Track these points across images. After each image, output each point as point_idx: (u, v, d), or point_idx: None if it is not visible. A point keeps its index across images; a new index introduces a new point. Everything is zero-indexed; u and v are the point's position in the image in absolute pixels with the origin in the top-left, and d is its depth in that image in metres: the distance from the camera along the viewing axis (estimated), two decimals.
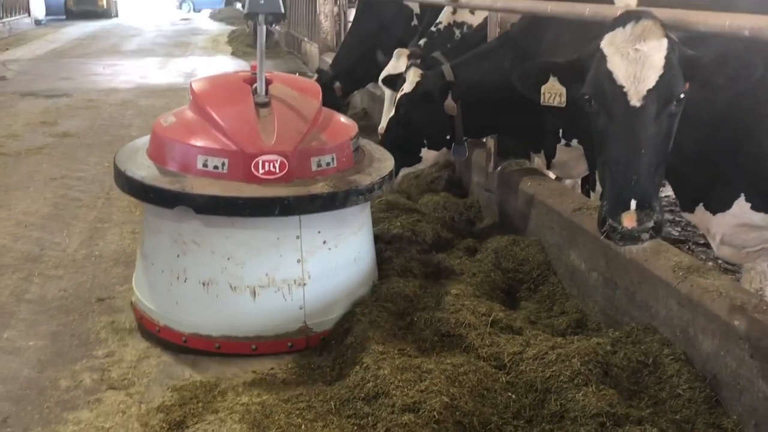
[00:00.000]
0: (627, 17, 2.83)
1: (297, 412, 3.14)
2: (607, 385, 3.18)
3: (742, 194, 3.17)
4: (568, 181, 5.46)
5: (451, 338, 3.66)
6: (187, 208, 3.63)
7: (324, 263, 3.89)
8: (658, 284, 3.43)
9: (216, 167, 3.74)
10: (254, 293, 3.78)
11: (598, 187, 5.12)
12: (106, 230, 5.67)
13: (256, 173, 3.71)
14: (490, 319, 3.75)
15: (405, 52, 6.00)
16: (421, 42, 6.48)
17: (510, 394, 3.21)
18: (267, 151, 3.73)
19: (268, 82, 4.09)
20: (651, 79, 2.71)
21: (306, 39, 15.92)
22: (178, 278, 3.83)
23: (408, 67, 5.10)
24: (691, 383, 3.11)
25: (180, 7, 45.72)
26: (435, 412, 2.99)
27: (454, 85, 4.77)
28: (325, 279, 3.89)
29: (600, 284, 3.94)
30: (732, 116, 3.04)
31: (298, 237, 3.80)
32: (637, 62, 2.72)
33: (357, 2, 9.61)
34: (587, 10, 3.66)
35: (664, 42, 2.74)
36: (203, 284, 3.78)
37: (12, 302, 4.47)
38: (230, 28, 26.97)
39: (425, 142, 4.95)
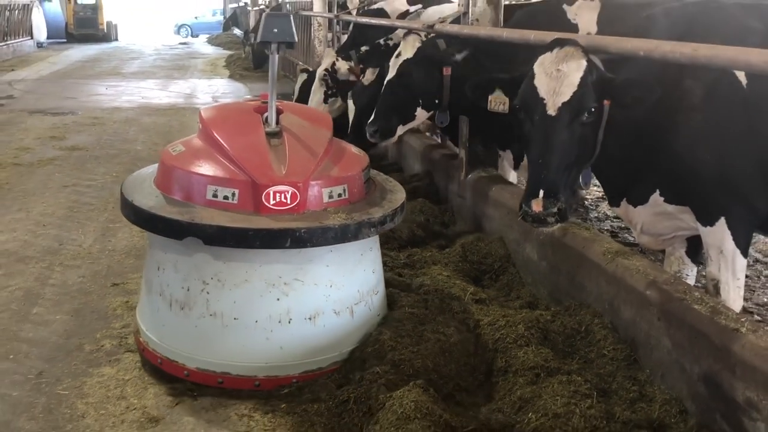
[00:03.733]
0: (555, 43, 3.50)
1: None
2: (545, 346, 3.81)
3: (657, 190, 3.82)
4: None
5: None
6: (197, 239, 3.56)
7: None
8: (592, 267, 4.07)
9: (226, 197, 3.67)
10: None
11: None
12: (117, 229, 6.28)
13: (267, 204, 3.64)
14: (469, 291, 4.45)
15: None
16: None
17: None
18: (278, 181, 3.66)
19: (279, 112, 4.08)
20: (566, 94, 3.39)
21: (301, 63, 16.62)
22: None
23: (406, 35, 5.69)
24: (614, 345, 3.74)
25: (178, 32, 46.64)
26: (412, 369, 3.56)
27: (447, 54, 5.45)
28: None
29: (548, 271, 4.58)
30: (648, 128, 3.70)
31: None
32: (557, 80, 3.40)
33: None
34: (532, 36, 4.31)
35: (583, 64, 3.41)
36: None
37: (37, 286, 5.08)
38: (227, 52, 27.74)
39: (420, 102, 5.51)
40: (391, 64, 5.59)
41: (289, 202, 3.66)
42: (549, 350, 3.77)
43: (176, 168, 3.85)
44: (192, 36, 44.98)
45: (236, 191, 3.66)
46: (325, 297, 3.75)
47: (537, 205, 3.41)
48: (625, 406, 3.38)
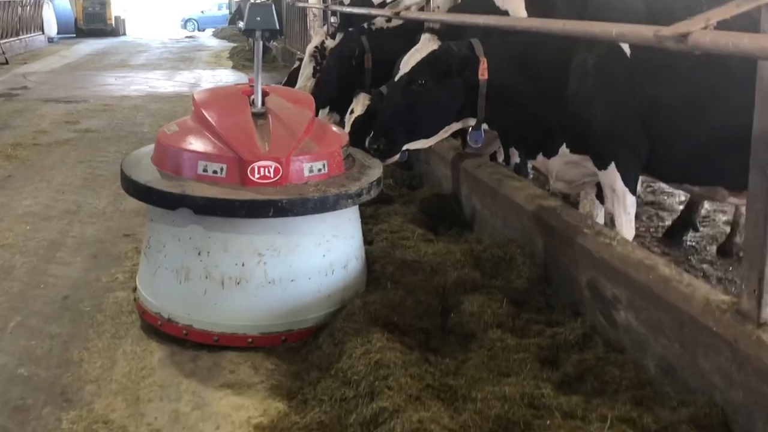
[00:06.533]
0: (425, 33, 4.92)
1: None
2: (476, 269, 4.69)
3: (564, 143, 4.69)
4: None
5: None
6: (188, 209, 3.92)
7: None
8: (518, 209, 4.94)
9: (215, 172, 4.01)
10: None
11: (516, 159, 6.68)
12: (127, 195, 7.15)
13: (252, 178, 3.97)
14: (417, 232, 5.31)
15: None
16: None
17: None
18: (262, 157, 3.99)
19: (264, 94, 4.41)
20: (407, 67, 4.82)
21: (299, 53, 17.48)
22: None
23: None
24: (530, 268, 4.59)
25: (185, 26, 47.61)
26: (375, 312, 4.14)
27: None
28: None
29: (489, 218, 5.45)
30: (552, 92, 4.57)
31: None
32: (410, 57, 4.83)
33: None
34: (482, 20, 5.14)
35: (430, 48, 4.80)
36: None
37: (60, 238, 5.99)
38: (232, 44, 28.60)
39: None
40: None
41: (272, 176, 4.00)
42: (477, 272, 4.64)
43: (170, 146, 4.22)
44: (198, 30, 45.90)
45: (224, 166, 4.00)
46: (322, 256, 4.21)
47: (368, 142, 4.96)
48: (532, 311, 4.23)
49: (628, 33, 3.00)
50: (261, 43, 4.50)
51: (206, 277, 4.04)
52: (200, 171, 4.04)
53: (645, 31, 2.85)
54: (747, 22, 2.84)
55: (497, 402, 3.17)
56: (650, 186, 7.56)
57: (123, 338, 4.22)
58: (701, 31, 2.61)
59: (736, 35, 2.45)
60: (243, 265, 4.03)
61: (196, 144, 4.16)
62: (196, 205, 3.87)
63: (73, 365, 3.92)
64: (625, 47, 4.38)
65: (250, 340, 4.04)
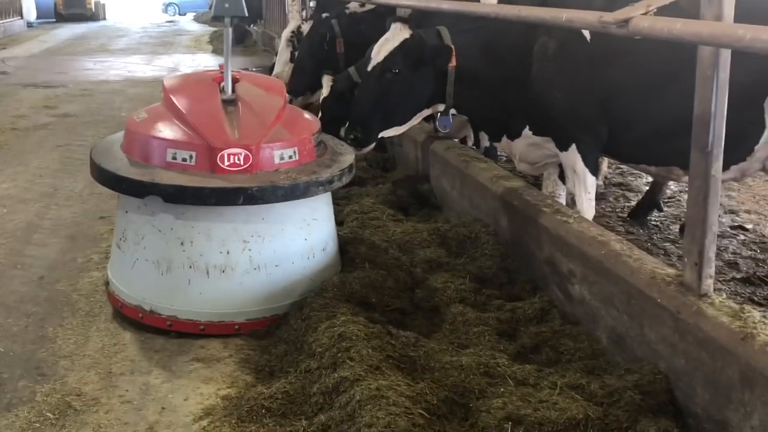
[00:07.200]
0: (395, 21, 4.94)
1: None
2: (442, 247, 4.83)
3: (527, 125, 4.84)
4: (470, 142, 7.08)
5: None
6: (157, 197, 3.89)
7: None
8: (483, 189, 5.08)
9: (184, 159, 3.98)
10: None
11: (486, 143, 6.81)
12: None
13: (221, 165, 3.95)
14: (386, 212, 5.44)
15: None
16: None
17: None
18: (232, 144, 3.98)
19: (235, 81, 4.39)
20: (380, 56, 4.89)
21: (277, 37, 17.52)
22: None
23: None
24: (494, 247, 4.73)
25: (165, 10, 47.30)
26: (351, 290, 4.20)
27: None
28: None
29: (457, 198, 5.59)
30: (515, 76, 4.71)
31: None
32: (381, 47, 4.89)
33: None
34: (446, 5, 5.26)
35: (402, 37, 4.88)
36: None
37: (37, 220, 6.08)
38: (213, 29, 28.54)
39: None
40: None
41: (242, 163, 3.99)
42: (443, 251, 4.79)
43: (139, 133, 4.21)
44: (180, 14, 45.67)
45: (194, 154, 3.98)
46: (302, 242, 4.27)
47: (344, 131, 5.13)
48: (494, 287, 4.38)
49: (575, 18, 3.14)
50: (230, 29, 4.52)
51: (190, 267, 4.03)
52: (169, 158, 4.03)
53: (590, 17, 2.99)
54: (696, 11, 2.96)
55: (454, 371, 3.32)
56: (619, 168, 7.73)
57: (97, 316, 4.33)
58: (641, 16, 2.75)
59: (670, 20, 2.59)
60: (228, 252, 4.04)
61: (166, 131, 4.14)
62: (165, 193, 3.86)
63: (47, 341, 4.04)
64: (586, 33, 4.52)
65: (236, 327, 4.06)
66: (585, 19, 3.05)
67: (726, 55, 2.88)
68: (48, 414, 3.36)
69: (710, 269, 3.05)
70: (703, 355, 2.92)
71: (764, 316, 2.87)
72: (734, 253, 5.59)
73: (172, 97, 4.35)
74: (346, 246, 4.74)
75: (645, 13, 2.77)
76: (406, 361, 3.45)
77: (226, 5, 4.38)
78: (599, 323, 3.66)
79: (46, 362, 3.82)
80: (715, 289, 3.12)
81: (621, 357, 3.47)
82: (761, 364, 2.62)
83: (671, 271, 3.32)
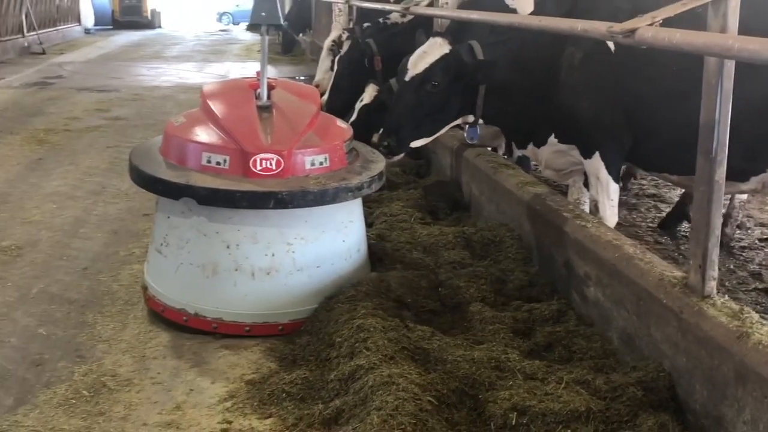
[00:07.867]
0: (432, 36, 5.03)
1: None
2: (466, 250, 4.98)
3: (552, 133, 4.97)
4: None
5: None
6: (191, 199, 4.01)
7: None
8: (509, 194, 5.22)
9: (218, 163, 4.11)
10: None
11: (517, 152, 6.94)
12: None
13: (254, 170, 4.06)
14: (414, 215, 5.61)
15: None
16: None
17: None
18: (265, 150, 4.09)
19: (270, 88, 4.52)
20: (419, 68, 4.98)
21: None
22: None
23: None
24: (517, 250, 4.88)
25: (219, 19, 48.13)
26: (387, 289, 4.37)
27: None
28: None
29: (485, 203, 5.74)
30: (542, 85, 4.85)
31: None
32: (419, 58, 5.00)
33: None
34: (474, 15, 5.44)
35: (442, 51, 4.97)
36: None
37: (84, 215, 6.39)
38: None
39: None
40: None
41: (274, 168, 4.09)
42: (467, 253, 4.94)
43: (176, 136, 4.35)
44: (233, 23, 46.43)
45: (227, 158, 4.10)
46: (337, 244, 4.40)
47: (377, 138, 5.22)
48: (515, 288, 4.51)
49: (588, 28, 3.29)
50: (266, 37, 4.67)
51: (236, 270, 4.13)
52: (204, 162, 4.14)
53: (600, 27, 3.14)
54: (702, 23, 3.09)
55: (466, 364, 3.47)
56: (653, 180, 7.79)
57: (134, 305, 4.58)
58: (646, 27, 2.89)
59: (671, 31, 2.73)
60: (273, 255, 4.15)
61: (201, 135, 4.28)
62: (198, 195, 3.97)
63: (87, 327, 4.29)
64: (610, 44, 4.63)
65: (280, 327, 4.16)
66: (596, 28, 3.20)
67: (730, 66, 3.00)
68: (84, 392, 3.60)
69: (713, 271, 3.16)
70: (703, 353, 3.03)
71: (762, 317, 2.97)
72: (760, 264, 5.64)
73: (209, 102, 4.49)
74: (372, 247, 4.92)
75: (651, 24, 2.90)
76: (420, 353, 3.60)
77: (263, 14, 4.54)
78: (611, 324, 3.78)
79: (85, 345, 4.07)
80: (726, 294, 3.22)
81: (630, 356, 3.59)
82: (753, 362, 2.73)
83: (679, 273, 3.43)
